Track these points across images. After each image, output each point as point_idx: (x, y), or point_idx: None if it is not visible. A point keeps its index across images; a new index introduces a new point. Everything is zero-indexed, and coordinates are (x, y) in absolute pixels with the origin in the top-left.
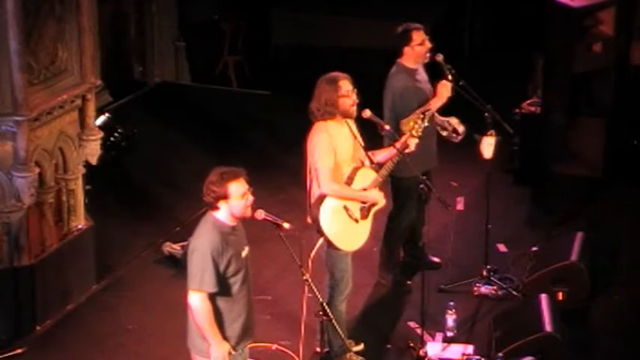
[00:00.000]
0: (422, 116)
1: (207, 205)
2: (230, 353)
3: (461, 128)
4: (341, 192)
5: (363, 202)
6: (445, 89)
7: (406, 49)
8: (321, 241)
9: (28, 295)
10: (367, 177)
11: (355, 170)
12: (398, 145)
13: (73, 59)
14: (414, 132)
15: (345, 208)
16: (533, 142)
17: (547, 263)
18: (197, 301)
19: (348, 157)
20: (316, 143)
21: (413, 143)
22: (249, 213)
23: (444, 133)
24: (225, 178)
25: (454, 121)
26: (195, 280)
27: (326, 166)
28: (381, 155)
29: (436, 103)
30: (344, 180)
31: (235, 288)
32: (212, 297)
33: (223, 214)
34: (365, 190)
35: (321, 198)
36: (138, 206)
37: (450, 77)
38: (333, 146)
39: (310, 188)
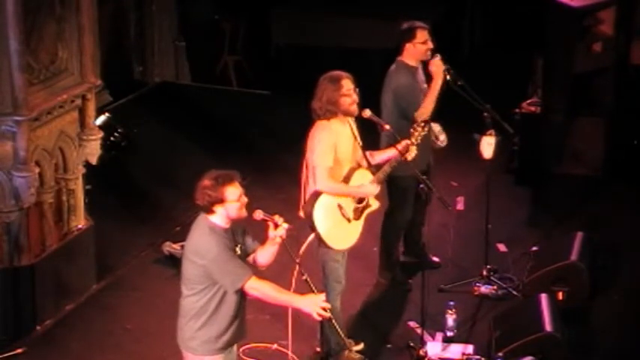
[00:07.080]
0: (422, 124)
1: (201, 209)
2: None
3: (442, 137)
4: (337, 189)
5: (358, 203)
6: (436, 66)
7: (408, 46)
8: (311, 237)
9: (28, 295)
10: (363, 178)
11: (352, 171)
12: (399, 146)
13: (73, 59)
14: (413, 139)
15: (339, 206)
16: (533, 142)
17: (547, 263)
18: (252, 289)
19: (348, 156)
20: (318, 141)
21: (413, 151)
22: (244, 214)
23: None
24: (220, 182)
25: (437, 128)
26: (234, 277)
27: (324, 164)
28: (380, 157)
29: (436, 84)
30: (341, 179)
31: None
32: (202, 298)
33: (219, 217)
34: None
35: (316, 195)
36: (138, 206)
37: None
38: (334, 144)
39: (305, 184)
